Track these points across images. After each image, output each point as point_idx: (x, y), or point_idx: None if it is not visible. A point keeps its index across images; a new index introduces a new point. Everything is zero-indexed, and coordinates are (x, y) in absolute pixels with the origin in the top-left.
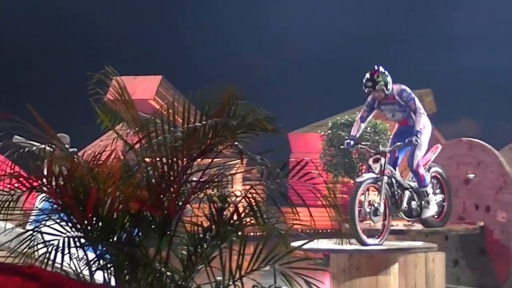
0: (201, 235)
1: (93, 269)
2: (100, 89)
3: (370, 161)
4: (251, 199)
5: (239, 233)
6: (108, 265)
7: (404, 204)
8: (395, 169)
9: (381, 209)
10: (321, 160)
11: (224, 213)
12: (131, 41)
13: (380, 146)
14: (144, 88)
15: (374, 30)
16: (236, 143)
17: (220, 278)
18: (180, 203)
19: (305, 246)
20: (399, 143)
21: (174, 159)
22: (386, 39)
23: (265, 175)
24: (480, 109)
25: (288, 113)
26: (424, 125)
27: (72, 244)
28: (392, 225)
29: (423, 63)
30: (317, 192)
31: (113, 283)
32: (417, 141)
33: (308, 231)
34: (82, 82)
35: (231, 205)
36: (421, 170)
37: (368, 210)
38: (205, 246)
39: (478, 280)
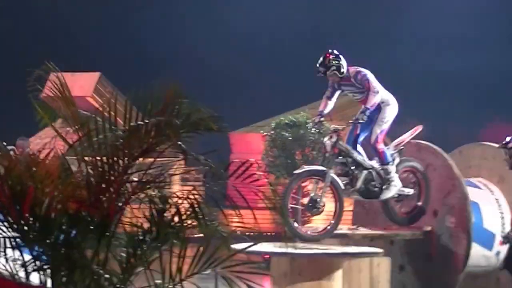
0: (141, 237)
1: (29, 270)
2: (40, 85)
3: (325, 139)
4: (192, 200)
5: (180, 235)
6: (45, 267)
7: (359, 184)
8: (355, 147)
9: (321, 201)
10: (263, 161)
11: (165, 214)
12: (72, 35)
13: (357, 117)
14: (81, 85)
15: (324, 28)
16: (179, 142)
17: (160, 281)
18: (120, 204)
19: (247, 249)
20: (350, 121)
21: (115, 158)
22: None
23: (208, 176)
24: (428, 111)
25: (229, 112)
26: (381, 102)
27: (8, 245)
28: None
29: (372, 63)
30: (261, 194)
31: (49, 285)
32: (363, 118)
33: (251, 233)
34: (20, 78)
35: (172, 206)
36: (380, 146)
37: (308, 203)
38: (144, 248)
39: (424, 287)
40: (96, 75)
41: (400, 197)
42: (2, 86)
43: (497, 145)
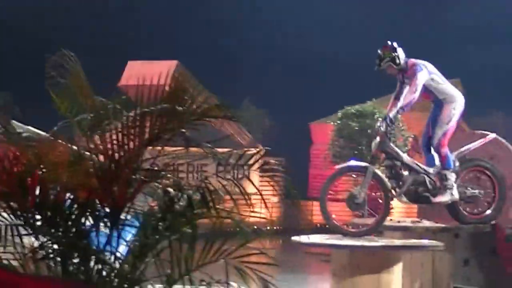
0: (153, 226)
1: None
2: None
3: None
4: (204, 189)
5: (191, 224)
6: (52, 255)
7: (405, 187)
8: (428, 150)
9: (359, 199)
10: (329, 151)
11: (178, 203)
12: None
13: (379, 125)
14: (158, 73)
15: (403, 15)
16: (183, 130)
17: (170, 271)
18: (131, 192)
19: (306, 241)
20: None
21: (125, 145)
22: (414, 25)
23: (224, 165)
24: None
25: (310, 103)
26: (442, 98)
27: (16, 233)
28: (398, 221)
29: (454, 53)
30: (275, 184)
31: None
32: (381, 127)
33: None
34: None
35: (185, 195)
36: (443, 150)
37: (347, 199)
38: (156, 237)
39: (488, 281)
40: (173, 63)
41: (466, 199)
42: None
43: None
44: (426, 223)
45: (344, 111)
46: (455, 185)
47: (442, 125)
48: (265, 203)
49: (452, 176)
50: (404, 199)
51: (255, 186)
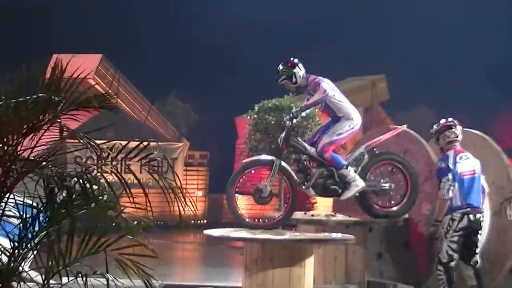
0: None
1: None
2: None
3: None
4: (85, 180)
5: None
6: None
7: (313, 180)
8: (314, 146)
9: (265, 192)
10: (246, 145)
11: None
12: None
13: (285, 119)
14: (82, 66)
15: (323, 11)
16: (59, 120)
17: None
18: (9, 182)
19: (218, 234)
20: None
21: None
22: (338, 20)
23: (100, 156)
24: (436, 97)
25: (237, 97)
26: (341, 114)
27: None
28: (312, 215)
29: (377, 48)
30: (158, 176)
31: None
32: (288, 121)
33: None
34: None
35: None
36: (327, 155)
37: (254, 193)
38: (35, 229)
39: (401, 275)
40: (98, 57)
41: (378, 192)
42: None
43: (478, 132)
44: (340, 217)
45: (260, 104)
46: (356, 176)
47: (332, 134)
48: (183, 196)
49: (348, 172)
50: (312, 192)
51: (135, 177)
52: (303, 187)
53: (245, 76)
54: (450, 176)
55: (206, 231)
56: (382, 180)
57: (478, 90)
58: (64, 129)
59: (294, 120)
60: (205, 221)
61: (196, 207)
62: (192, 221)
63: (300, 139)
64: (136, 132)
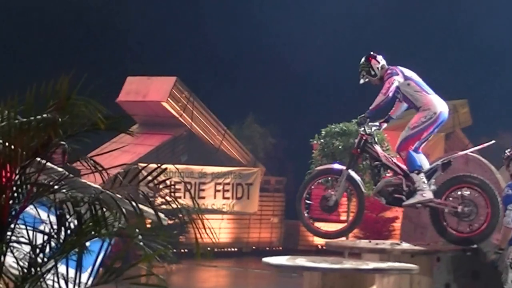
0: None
1: None
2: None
3: None
4: (96, 205)
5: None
6: None
7: (378, 187)
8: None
9: (331, 201)
10: (313, 170)
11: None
12: (148, 39)
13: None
14: (157, 89)
15: (401, 31)
16: (62, 142)
17: None
18: (17, 208)
19: (277, 263)
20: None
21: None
22: (417, 42)
23: (111, 181)
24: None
25: (313, 120)
26: (419, 105)
27: None
28: (377, 243)
29: (460, 73)
30: (172, 200)
31: None
32: (360, 125)
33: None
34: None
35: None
36: (404, 153)
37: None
38: (45, 256)
39: None
40: (172, 79)
41: (456, 215)
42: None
43: None
44: (405, 246)
45: (327, 129)
46: (426, 186)
47: (407, 129)
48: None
49: (419, 178)
50: (383, 200)
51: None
52: (372, 192)
53: (323, 101)
54: None
55: (265, 259)
56: (461, 204)
57: None
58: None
59: (363, 127)
60: (280, 248)
61: (272, 234)
62: (267, 248)
63: (375, 146)
64: (210, 157)
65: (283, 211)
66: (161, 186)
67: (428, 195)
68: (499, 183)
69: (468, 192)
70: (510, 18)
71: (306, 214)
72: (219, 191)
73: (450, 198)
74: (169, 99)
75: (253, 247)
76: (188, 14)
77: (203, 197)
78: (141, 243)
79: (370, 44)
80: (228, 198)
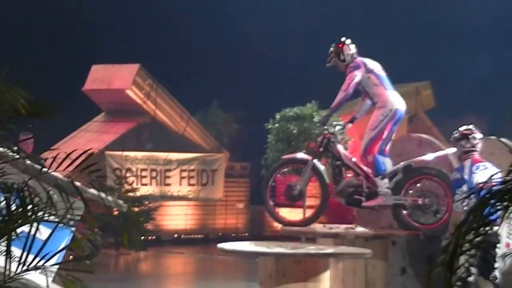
0: None
1: None
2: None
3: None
4: (25, 192)
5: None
6: None
7: (339, 187)
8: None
9: (296, 190)
10: (268, 156)
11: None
12: (111, 26)
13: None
14: (121, 77)
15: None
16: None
17: None
18: None
19: (231, 248)
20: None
21: None
22: (380, 26)
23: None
24: (487, 105)
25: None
26: (373, 102)
27: None
28: (331, 228)
29: (424, 54)
30: (102, 184)
31: None
32: (322, 124)
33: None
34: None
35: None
36: (370, 158)
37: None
38: None
39: None
40: (135, 67)
41: (415, 208)
42: (41, 77)
43: (505, 139)
44: (359, 230)
45: (282, 113)
46: (388, 191)
47: (369, 131)
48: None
49: (382, 183)
50: (343, 200)
51: (74, 186)
52: (334, 192)
53: (285, 85)
54: (465, 187)
55: (220, 245)
56: (421, 196)
57: None
58: None
59: (326, 128)
60: (246, 234)
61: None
62: (233, 234)
63: (338, 145)
64: (175, 143)
65: (248, 197)
66: (127, 174)
67: (389, 200)
68: (452, 165)
69: (427, 183)
70: (479, 1)
71: (271, 203)
72: (184, 177)
73: (410, 191)
74: (133, 86)
75: (219, 234)
76: (150, 1)
77: (169, 184)
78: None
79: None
80: (193, 184)
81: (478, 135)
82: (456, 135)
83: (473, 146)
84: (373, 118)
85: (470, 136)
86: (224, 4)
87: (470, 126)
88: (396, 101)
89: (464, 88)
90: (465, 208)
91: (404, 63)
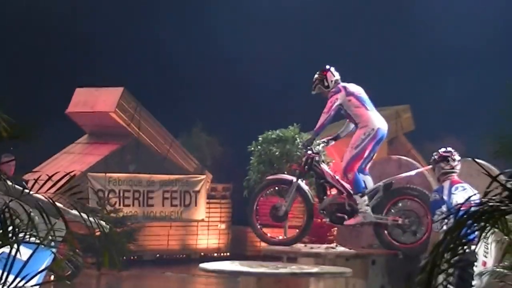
0: None
1: None
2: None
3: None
4: (6, 213)
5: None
6: None
7: (322, 205)
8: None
9: (281, 211)
10: (251, 177)
11: None
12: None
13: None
14: (105, 100)
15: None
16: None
17: None
18: None
19: (213, 268)
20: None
21: None
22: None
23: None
24: (464, 127)
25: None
26: (357, 122)
27: None
28: (312, 248)
29: (402, 79)
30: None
31: None
32: (306, 147)
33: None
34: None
35: None
36: (350, 175)
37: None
38: None
39: None
40: (119, 90)
41: (395, 228)
42: (25, 99)
43: (482, 161)
44: (340, 249)
45: (264, 136)
46: (368, 209)
47: (351, 149)
48: None
49: (362, 201)
50: (326, 218)
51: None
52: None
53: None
54: (444, 208)
55: (202, 265)
56: (402, 215)
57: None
58: None
59: (310, 148)
60: (228, 253)
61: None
62: (215, 254)
63: (322, 164)
64: (158, 165)
65: (230, 217)
66: (110, 196)
67: (369, 218)
68: (431, 186)
69: (409, 203)
70: (454, 25)
71: (258, 225)
72: (167, 198)
73: (392, 211)
74: (116, 109)
75: (202, 254)
76: (134, 24)
77: (152, 205)
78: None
79: (314, 52)
80: (176, 205)
81: (457, 157)
82: (436, 157)
83: (452, 168)
84: (355, 137)
85: (449, 158)
86: (207, 30)
87: (449, 148)
88: (378, 121)
89: (443, 111)
90: (444, 228)
91: (384, 88)
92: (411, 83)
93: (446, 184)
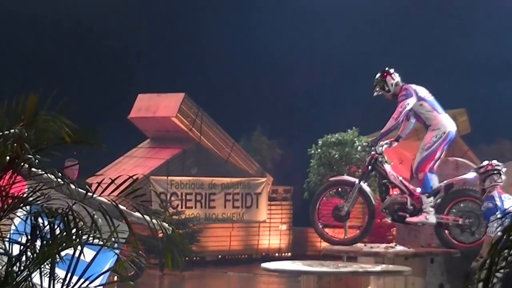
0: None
1: None
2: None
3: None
4: (69, 216)
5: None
6: None
7: (384, 204)
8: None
9: (343, 211)
10: (311, 180)
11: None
12: (155, 57)
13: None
14: (166, 105)
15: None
16: (29, 156)
17: None
18: None
19: (274, 267)
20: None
21: None
22: (418, 54)
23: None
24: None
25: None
26: (428, 124)
27: None
28: (371, 247)
29: (459, 83)
30: (147, 208)
31: None
32: (371, 147)
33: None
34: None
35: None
36: (420, 175)
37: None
38: (22, 266)
39: None
40: (180, 96)
41: (455, 227)
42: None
43: None
44: (399, 248)
45: (324, 139)
46: (431, 210)
47: (422, 151)
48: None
49: (427, 201)
50: (388, 216)
51: (118, 209)
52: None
53: (323, 112)
54: (498, 214)
55: (264, 264)
56: (463, 216)
57: None
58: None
59: (374, 149)
60: (289, 254)
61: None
62: (277, 254)
63: (385, 165)
64: (219, 168)
65: (290, 219)
66: (172, 198)
67: (431, 219)
68: None
69: (470, 205)
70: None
71: (320, 225)
72: (229, 200)
73: (453, 210)
74: (178, 114)
75: (263, 254)
76: (193, 32)
77: (213, 207)
78: (117, 251)
79: (369, 57)
80: (237, 207)
81: (504, 169)
82: (489, 168)
83: (501, 182)
84: (426, 139)
85: (501, 172)
86: (267, 36)
87: (495, 161)
88: (448, 123)
89: (498, 115)
90: (498, 231)
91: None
92: (469, 87)
93: (495, 193)
